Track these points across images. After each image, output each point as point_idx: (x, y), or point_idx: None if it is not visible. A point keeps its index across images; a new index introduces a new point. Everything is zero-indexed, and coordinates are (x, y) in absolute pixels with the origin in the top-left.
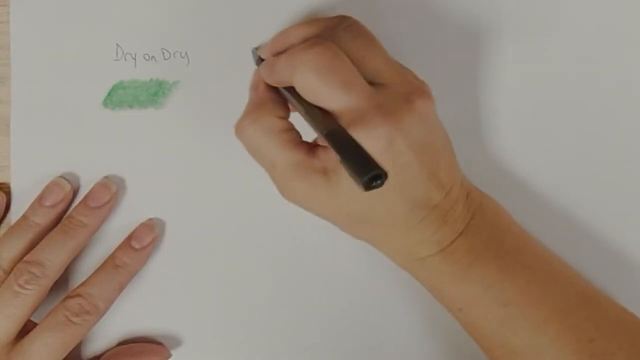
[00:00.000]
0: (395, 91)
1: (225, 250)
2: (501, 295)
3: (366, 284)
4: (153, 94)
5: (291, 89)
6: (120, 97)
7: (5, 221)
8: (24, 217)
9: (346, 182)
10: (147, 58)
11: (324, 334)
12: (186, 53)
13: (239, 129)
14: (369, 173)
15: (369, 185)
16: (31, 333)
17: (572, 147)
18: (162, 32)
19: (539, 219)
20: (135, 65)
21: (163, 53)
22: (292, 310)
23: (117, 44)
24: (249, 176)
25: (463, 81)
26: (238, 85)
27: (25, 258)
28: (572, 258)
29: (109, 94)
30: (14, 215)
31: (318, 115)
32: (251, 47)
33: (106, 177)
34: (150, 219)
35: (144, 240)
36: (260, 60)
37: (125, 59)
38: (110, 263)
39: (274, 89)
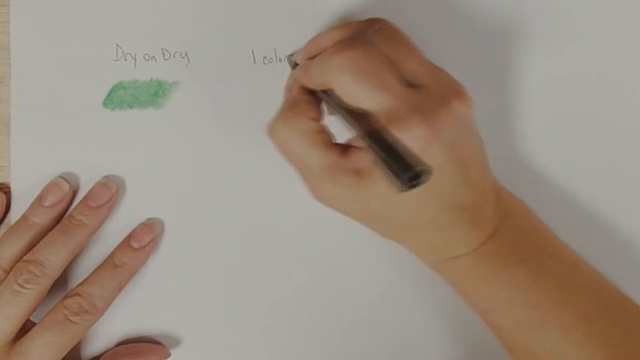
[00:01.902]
0: (432, 92)
1: (224, 250)
2: (529, 299)
3: (363, 286)
4: (153, 94)
5: (327, 91)
6: (120, 97)
7: (5, 221)
8: (24, 217)
9: (380, 183)
10: (147, 58)
11: (324, 335)
12: (186, 53)
13: (272, 130)
14: (413, 170)
15: (411, 184)
16: (30, 332)
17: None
18: (162, 32)
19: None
20: (135, 66)
21: (163, 53)
22: (291, 310)
23: (117, 44)
24: (249, 176)
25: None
26: (238, 85)
27: (25, 257)
28: (599, 261)
29: (109, 94)
30: (14, 215)
31: (356, 116)
32: (251, 47)
33: (106, 176)
34: (149, 219)
35: (143, 240)
36: (295, 66)
37: (125, 59)
38: (110, 262)
39: (309, 91)
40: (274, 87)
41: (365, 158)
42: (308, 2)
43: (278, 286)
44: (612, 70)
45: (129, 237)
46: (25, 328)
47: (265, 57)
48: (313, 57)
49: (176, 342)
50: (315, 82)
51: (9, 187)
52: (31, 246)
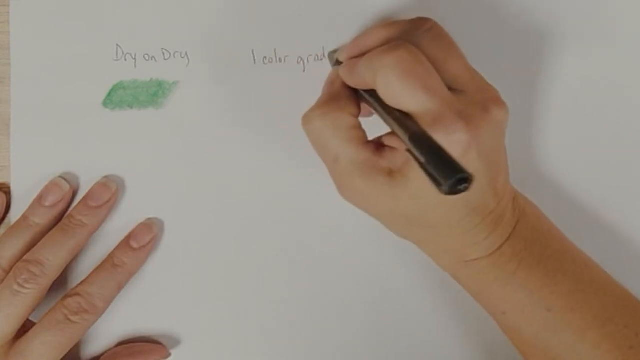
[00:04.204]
0: (473, 98)
1: (224, 250)
2: (544, 301)
3: (365, 287)
4: (153, 94)
5: (370, 91)
6: (120, 97)
7: (5, 221)
8: (24, 217)
9: (414, 184)
10: (147, 58)
11: (324, 334)
12: (186, 53)
13: (307, 120)
14: (455, 176)
15: (453, 189)
16: (30, 332)
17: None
18: (162, 32)
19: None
20: (135, 66)
21: (163, 53)
22: (291, 310)
23: (117, 44)
24: (249, 176)
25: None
26: (238, 85)
27: (24, 257)
28: (613, 265)
29: (109, 94)
30: (14, 215)
31: (399, 117)
32: (251, 47)
33: (106, 176)
34: (149, 219)
35: (142, 240)
36: (337, 63)
37: (125, 59)
38: (109, 262)
39: (351, 88)
40: (274, 87)
41: (399, 158)
42: (308, 2)
43: (278, 286)
44: None
45: (129, 237)
46: (25, 328)
47: (265, 57)
48: (357, 56)
49: (176, 342)
50: (361, 80)
51: (9, 187)
52: (31, 246)
